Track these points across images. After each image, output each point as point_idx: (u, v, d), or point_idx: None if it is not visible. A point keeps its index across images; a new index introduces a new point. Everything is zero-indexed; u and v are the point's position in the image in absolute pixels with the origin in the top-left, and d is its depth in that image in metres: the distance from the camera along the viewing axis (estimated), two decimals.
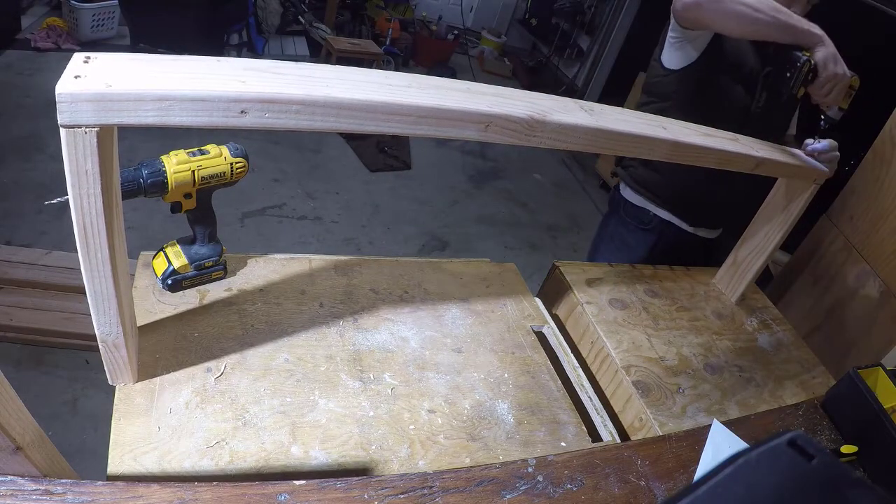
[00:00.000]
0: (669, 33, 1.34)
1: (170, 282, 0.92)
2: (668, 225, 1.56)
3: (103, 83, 0.51)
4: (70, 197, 0.55)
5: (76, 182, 0.54)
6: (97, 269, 0.62)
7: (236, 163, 0.88)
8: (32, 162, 2.72)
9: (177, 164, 0.83)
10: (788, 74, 1.16)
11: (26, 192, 2.54)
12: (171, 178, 0.82)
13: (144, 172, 0.81)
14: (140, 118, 0.53)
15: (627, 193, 1.60)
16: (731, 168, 1.02)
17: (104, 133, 0.53)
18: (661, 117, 0.95)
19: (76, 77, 0.51)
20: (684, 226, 1.56)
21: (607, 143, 0.83)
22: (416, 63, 5.32)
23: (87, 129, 0.52)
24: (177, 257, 0.92)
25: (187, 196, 0.87)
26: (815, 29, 1.12)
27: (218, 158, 0.87)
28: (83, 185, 0.55)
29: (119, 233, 0.65)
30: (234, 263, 1.02)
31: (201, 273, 0.95)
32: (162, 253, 0.94)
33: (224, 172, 0.87)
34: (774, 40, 1.15)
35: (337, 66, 0.76)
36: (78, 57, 0.54)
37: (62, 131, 0.52)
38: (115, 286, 0.64)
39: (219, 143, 0.89)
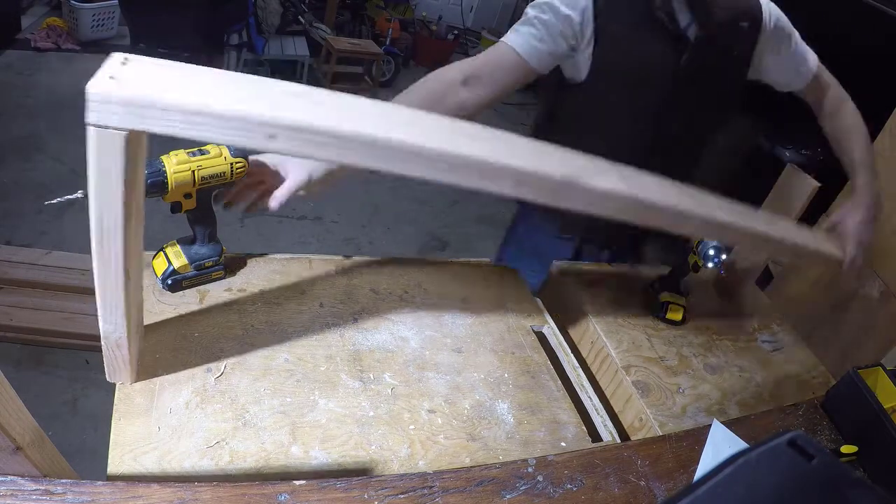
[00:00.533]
0: None
1: (170, 282, 0.92)
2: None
3: (139, 88, 0.50)
4: (91, 197, 0.54)
5: (97, 182, 0.53)
6: (109, 274, 0.61)
7: (236, 163, 0.88)
8: (32, 162, 2.72)
9: (177, 164, 0.83)
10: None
11: (26, 192, 2.54)
12: (171, 178, 0.82)
13: (144, 172, 0.81)
14: (167, 128, 0.51)
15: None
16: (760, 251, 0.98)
17: (133, 137, 0.52)
18: (689, 188, 0.83)
19: (111, 78, 0.50)
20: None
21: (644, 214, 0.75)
22: (416, 63, 5.32)
23: (115, 132, 0.51)
24: (177, 257, 0.92)
25: (187, 196, 0.86)
26: None
27: (218, 158, 0.86)
28: (104, 186, 0.54)
29: (137, 238, 0.64)
30: (234, 263, 1.01)
31: (201, 273, 0.95)
32: (162, 253, 0.94)
33: (224, 172, 0.87)
34: None
35: (400, 105, 0.70)
36: (116, 57, 0.52)
37: (89, 129, 0.50)
38: (126, 290, 0.63)
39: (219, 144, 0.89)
